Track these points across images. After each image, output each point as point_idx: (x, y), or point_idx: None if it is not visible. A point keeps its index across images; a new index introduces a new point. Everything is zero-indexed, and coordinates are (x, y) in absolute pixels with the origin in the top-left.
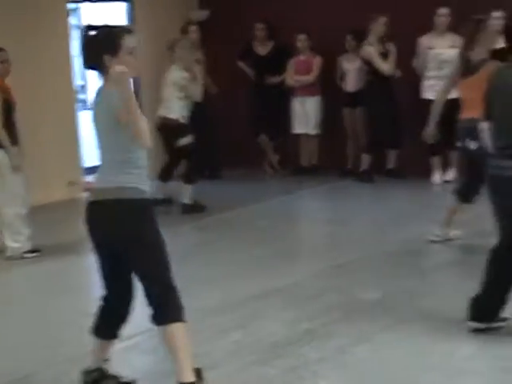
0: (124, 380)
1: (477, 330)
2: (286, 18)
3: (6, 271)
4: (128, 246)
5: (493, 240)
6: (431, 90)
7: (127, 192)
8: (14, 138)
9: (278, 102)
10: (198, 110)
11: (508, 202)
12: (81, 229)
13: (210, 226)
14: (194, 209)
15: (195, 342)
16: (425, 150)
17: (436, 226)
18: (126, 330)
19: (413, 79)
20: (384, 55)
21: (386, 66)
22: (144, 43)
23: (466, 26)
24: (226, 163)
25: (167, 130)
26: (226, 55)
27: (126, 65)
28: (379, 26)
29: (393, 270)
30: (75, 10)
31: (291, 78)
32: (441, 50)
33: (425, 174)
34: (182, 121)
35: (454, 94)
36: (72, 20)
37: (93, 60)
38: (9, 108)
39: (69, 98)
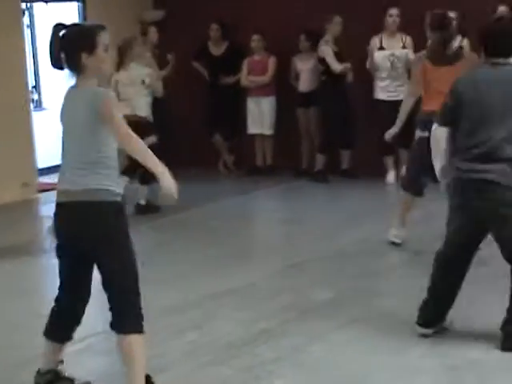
0: (78, 382)
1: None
2: (241, 18)
3: None
4: (97, 249)
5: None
6: (384, 90)
7: (99, 194)
8: None
9: (232, 102)
10: (160, 107)
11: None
12: (34, 230)
13: (164, 227)
14: (149, 209)
15: (150, 343)
16: (377, 150)
17: (393, 226)
18: (80, 331)
19: (366, 80)
20: (338, 55)
21: (337, 65)
22: None
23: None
24: (181, 163)
25: (137, 128)
26: (181, 55)
27: (102, 62)
28: (335, 25)
29: (347, 270)
30: (28, 9)
31: (246, 78)
32: (392, 51)
33: (378, 173)
34: (149, 119)
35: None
36: (25, 20)
37: (68, 59)
38: None
39: (23, 99)
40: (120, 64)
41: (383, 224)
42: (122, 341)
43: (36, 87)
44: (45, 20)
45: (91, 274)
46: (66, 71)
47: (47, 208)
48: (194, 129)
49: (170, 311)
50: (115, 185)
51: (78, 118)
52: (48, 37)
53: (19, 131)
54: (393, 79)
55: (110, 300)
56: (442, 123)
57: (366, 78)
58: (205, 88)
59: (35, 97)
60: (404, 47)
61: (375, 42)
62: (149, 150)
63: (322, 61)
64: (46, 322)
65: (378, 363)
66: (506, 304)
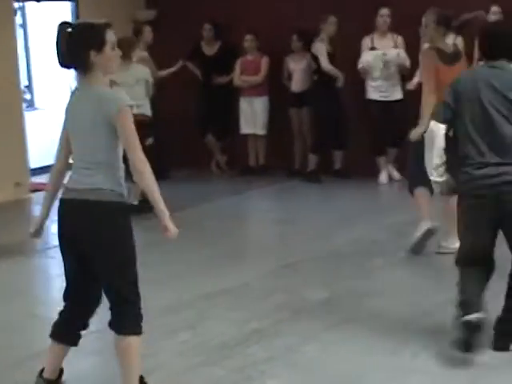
0: None
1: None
2: (234, 18)
3: None
4: (101, 247)
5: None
6: (376, 90)
7: (105, 194)
8: None
9: (225, 102)
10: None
11: None
12: (27, 230)
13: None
14: (142, 209)
15: (144, 343)
16: (369, 150)
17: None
18: None
19: (358, 80)
20: (332, 55)
21: (327, 64)
22: None
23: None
24: (173, 163)
25: (141, 127)
26: (174, 55)
27: (110, 60)
28: (329, 25)
29: (340, 270)
30: (21, 9)
31: (238, 78)
32: (384, 51)
33: (370, 174)
34: (152, 119)
35: (397, 96)
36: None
37: (76, 57)
38: None
39: (15, 98)
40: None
41: (376, 224)
42: (120, 341)
43: (28, 87)
44: (37, 19)
45: (97, 279)
46: (70, 70)
47: (40, 208)
48: (187, 129)
49: (163, 311)
50: (120, 186)
51: (88, 118)
52: (54, 36)
53: (12, 131)
54: (385, 79)
55: (110, 300)
56: (441, 120)
57: (358, 78)
58: (197, 88)
59: (28, 96)
60: (395, 47)
61: (366, 42)
62: (156, 184)
63: (315, 59)
64: (53, 322)
65: (372, 363)
66: (500, 303)
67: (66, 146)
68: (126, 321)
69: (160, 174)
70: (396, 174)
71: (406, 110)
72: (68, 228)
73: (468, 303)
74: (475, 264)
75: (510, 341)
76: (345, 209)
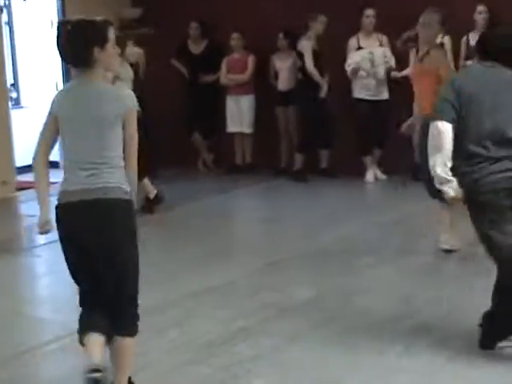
0: None
1: None
2: (220, 17)
3: None
4: (111, 247)
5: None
6: (364, 89)
7: (116, 192)
8: None
9: (211, 101)
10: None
11: None
12: (13, 228)
13: (144, 226)
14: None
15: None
16: (356, 149)
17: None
18: (55, 331)
19: (344, 79)
20: (318, 54)
21: (311, 65)
22: None
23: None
24: (160, 162)
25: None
26: (160, 53)
27: (112, 57)
28: (319, 24)
29: (327, 268)
30: (6, 7)
31: (225, 76)
32: (371, 50)
33: (357, 172)
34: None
35: (384, 96)
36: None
37: (81, 53)
38: None
39: (1, 97)
40: None
41: (362, 222)
42: (118, 342)
43: (14, 85)
44: (23, 17)
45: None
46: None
47: (26, 206)
48: (174, 127)
49: (150, 310)
50: (126, 183)
51: (96, 115)
52: (56, 33)
53: None
54: (373, 78)
55: (111, 301)
56: (450, 119)
57: (344, 77)
58: (184, 86)
59: (14, 95)
60: (381, 46)
61: (353, 42)
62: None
63: (301, 56)
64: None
65: (358, 362)
66: (486, 301)
67: (50, 142)
68: (126, 321)
69: (149, 173)
70: (380, 174)
71: (391, 111)
72: (78, 230)
73: None
74: None
75: (496, 339)
76: (331, 207)
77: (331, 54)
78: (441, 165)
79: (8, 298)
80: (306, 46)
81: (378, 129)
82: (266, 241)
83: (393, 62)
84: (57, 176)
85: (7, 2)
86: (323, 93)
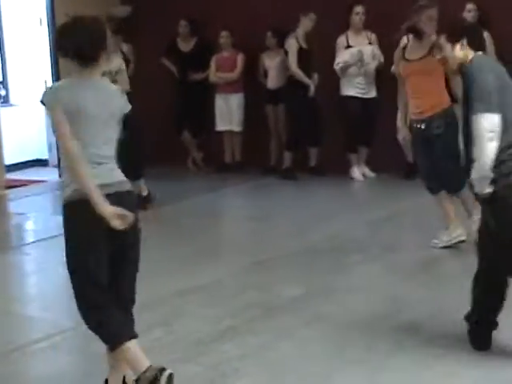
0: None
1: None
2: (209, 15)
3: None
4: (137, 243)
5: (413, 237)
6: (354, 87)
7: (129, 185)
8: None
9: (201, 99)
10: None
11: None
12: (2, 227)
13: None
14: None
15: None
16: (344, 147)
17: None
18: (45, 329)
19: (333, 77)
20: (307, 52)
21: (294, 66)
22: None
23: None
24: (148, 161)
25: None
26: (149, 51)
27: (108, 53)
28: (308, 20)
29: (315, 267)
30: None
31: (214, 74)
32: (360, 48)
33: (346, 171)
34: None
35: (373, 94)
36: None
37: (98, 50)
38: None
39: None
40: None
41: (351, 221)
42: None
43: (3, 83)
44: (12, 14)
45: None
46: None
47: (15, 204)
48: (163, 126)
49: (138, 308)
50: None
51: (105, 110)
52: (68, 28)
53: None
54: (363, 76)
55: (128, 301)
56: (498, 111)
57: (332, 75)
58: (173, 85)
59: (2, 92)
60: (370, 43)
61: (342, 40)
62: None
63: (287, 54)
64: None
65: (346, 360)
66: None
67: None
68: (133, 322)
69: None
70: (369, 172)
71: (380, 109)
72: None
73: None
74: None
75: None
76: (320, 205)
77: (320, 52)
78: (489, 157)
79: None
80: (292, 45)
81: (367, 127)
82: (254, 239)
83: (382, 59)
84: (45, 174)
85: None
86: (311, 91)
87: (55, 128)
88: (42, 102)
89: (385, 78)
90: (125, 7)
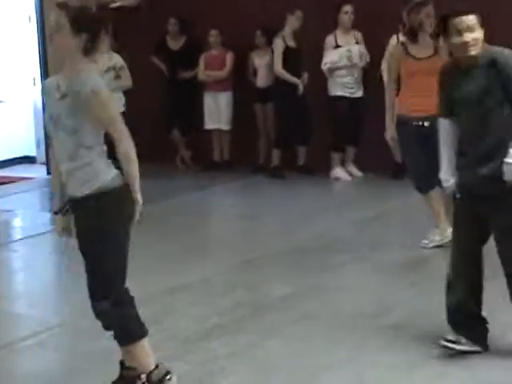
0: None
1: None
2: (199, 14)
3: None
4: None
5: (400, 237)
6: (343, 87)
7: None
8: None
9: (190, 97)
10: None
11: None
12: None
13: None
14: None
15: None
16: (330, 146)
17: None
18: (32, 326)
19: (320, 76)
20: (296, 51)
21: (278, 66)
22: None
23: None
24: (138, 158)
25: None
26: (139, 50)
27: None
28: (295, 19)
29: (303, 266)
30: None
31: (203, 72)
32: (349, 47)
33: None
34: None
35: (360, 93)
36: None
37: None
38: None
39: None
40: None
41: (339, 220)
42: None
43: None
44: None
45: None
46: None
47: (2, 201)
48: (152, 124)
49: None
50: None
51: None
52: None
53: None
54: (352, 76)
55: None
56: None
57: (320, 74)
58: (162, 83)
59: None
60: (357, 43)
61: (331, 40)
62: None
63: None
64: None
65: (334, 359)
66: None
67: None
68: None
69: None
70: (356, 171)
71: (367, 108)
72: None
73: None
74: None
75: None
76: (308, 205)
77: (308, 51)
78: None
79: None
80: (277, 45)
81: (355, 126)
82: (242, 238)
83: (368, 58)
84: (33, 171)
85: None
86: (300, 90)
87: (114, 120)
88: (98, 91)
89: (371, 78)
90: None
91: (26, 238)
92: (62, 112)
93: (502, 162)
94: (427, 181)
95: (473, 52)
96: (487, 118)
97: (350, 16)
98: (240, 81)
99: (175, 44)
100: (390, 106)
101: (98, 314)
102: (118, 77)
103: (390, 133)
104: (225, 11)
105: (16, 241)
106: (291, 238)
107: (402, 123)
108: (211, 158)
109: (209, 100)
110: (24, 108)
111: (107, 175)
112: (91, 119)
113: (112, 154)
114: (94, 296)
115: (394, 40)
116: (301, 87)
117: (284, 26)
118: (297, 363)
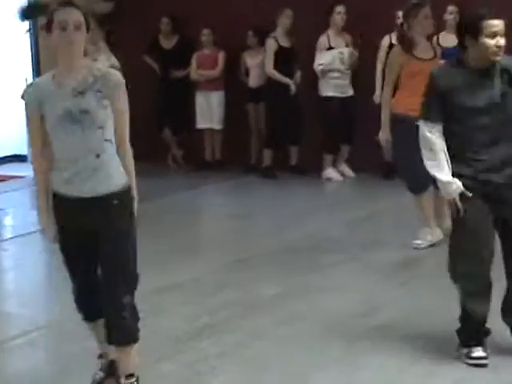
0: None
1: None
2: (191, 13)
3: None
4: None
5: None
6: (335, 87)
7: None
8: None
9: (182, 97)
10: None
11: None
12: None
13: None
14: None
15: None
16: (322, 146)
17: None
18: (22, 325)
19: (312, 76)
20: (290, 50)
21: (269, 66)
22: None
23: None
24: None
25: None
26: (131, 49)
27: None
28: (285, 18)
29: (294, 266)
30: None
31: (195, 71)
32: (340, 49)
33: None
34: None
35: (350, 92)
36: None
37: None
38: None
39: None
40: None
41: (330, 220)
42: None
43: None
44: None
45: None
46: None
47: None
48: (144, 123)
49: None
50: None
51: None
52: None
53: None
54: (344, 77)
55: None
56: None
57: (312, 74)
58: (154, 82)
59: None
60: (347, 45)
61: (323, 41)
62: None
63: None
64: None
65: (323, 359)
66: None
67: None
68: None
69: None
70: (348, 171)
71: (357, 107)
72: None
73: None
74: None
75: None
76: (300, 204)
77: (300, 51)
78: None
79: None
80: (269, 45)
81: (347, 125)
82: (233, 238)
83: (356, 53)
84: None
85: None
86: (292, 90)
87: (127, 113)
88: (123, 83)
89: (361, 78)
90: (107, 3)
91: (16, 236)
92: (89, 106)
93: None
94: (421, 182)
95: (498, 58)
96: (506, 123)
97: (342, 16)
98: (232, 80)
99: (168, 43)
100: (387, 107)
101: (121, 310)
102: None
103: (385, 134)
104: (217, 11)
105: (6, 240)
106: (282, 238)
107: (400, 121)
108: (203, 157)
109: (201, 99)
110: (14, 107)
111: (123, 173)
112: (112, 112)
113: None
114: (114, 292)
115: (385, 41)
116: (293, 87)
117: (276, 26)
118: (286, 363)
